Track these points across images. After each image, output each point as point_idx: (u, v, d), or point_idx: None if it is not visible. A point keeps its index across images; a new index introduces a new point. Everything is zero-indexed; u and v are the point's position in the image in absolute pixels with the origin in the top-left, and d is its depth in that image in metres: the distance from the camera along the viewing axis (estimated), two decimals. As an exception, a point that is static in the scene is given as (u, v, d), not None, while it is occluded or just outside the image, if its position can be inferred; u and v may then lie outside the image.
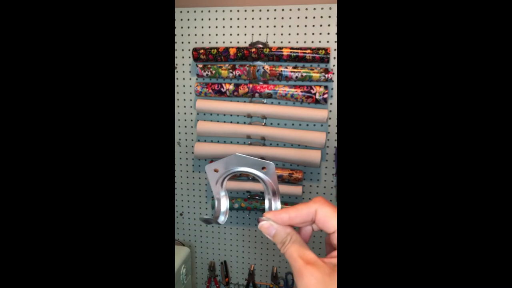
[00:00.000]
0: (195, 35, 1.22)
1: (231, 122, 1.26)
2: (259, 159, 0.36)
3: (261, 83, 1.17)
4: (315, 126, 1.20)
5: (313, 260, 0.30)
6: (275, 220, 0.34)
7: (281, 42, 1.16)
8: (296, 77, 1.13)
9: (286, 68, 1.13)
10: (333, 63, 1.14)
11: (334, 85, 1.16)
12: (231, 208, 1.28)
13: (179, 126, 1.32)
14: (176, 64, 1.26)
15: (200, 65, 1.19)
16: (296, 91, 1.13)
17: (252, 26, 1.17)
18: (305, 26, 1.14)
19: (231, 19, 1.18)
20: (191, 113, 1.30)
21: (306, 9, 1.12)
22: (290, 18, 1.14)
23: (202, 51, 1.17)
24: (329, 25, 1.12)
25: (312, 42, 1.15)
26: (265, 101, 1.21)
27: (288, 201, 1.26)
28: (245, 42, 1.19)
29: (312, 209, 0.33)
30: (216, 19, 1.19)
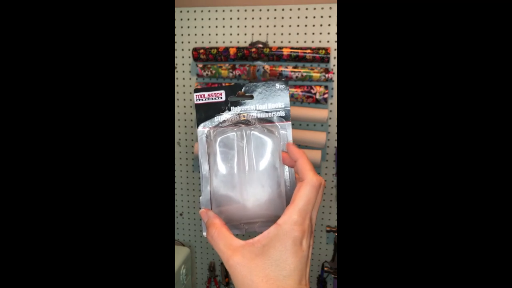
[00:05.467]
0: (195, 35, 1.22)
1: (231, 122, 1.26)
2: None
3: (261, 83, 1.17)
4: (315, 126, 1.20)
5: (238, 247, 0.31)
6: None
7: (281, 42, 1.16)
8: (296, 77, 1.13)
9: (286, 68, 1.13)
10: (333, 63, 1.14)
11: (334, 85, 1.16)
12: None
13: (179, 126, 1.32)
14: (176, 64, 1.26)
15: (200, 65, 1.19)
16: (296, 91, 1.13)
17: (252, 26, 1.17)
18: (305, 26, 1.14)
19: (231, 18, 1.18)
20: (191, 113, 1.29)
21: (306, 9, 1.12)
22: (290, 18, 1.14)
23: (202, 51, 1.17)
24: (329, 25, 1.12)
25: (312, 42, 1.14)
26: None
27: (288, 201, 1.27)
28: (245, 42, 1.19)
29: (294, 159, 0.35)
30: (216, 18, 1.19)
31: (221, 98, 0.37)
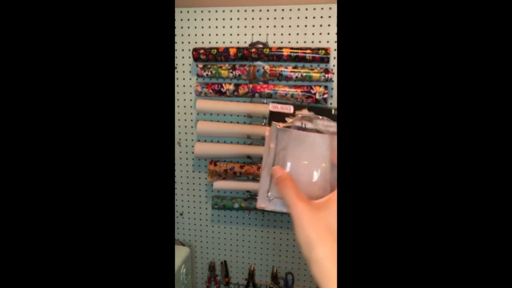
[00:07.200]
0: (195, 35, 1.22)
1: (231, 122, 1.26)
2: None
3: (261, 83, 1.17)
4: (315, 126, 1.20)
5: (305, 198, 0.39)
6: None
7: (281, 42, 1.16)
8: (296, 77, 1.13)
9: (286, 68, 1.13)
10: (333, 63, 1.14)
11: (334, 85, 1.16)
12: (230, 208, 1.28)
13: (179, 126, 1.32)
14: (176, 64, 1.26)
15: (200, 65, 1.19)
16: (296, 91, 1.13)
17: (252, 26, 1.17)
18: (305, 26, 1.14)
19: (231, 19, 1.18)
20: (191, 113, 1.29)
21: (306, 9, 1.12)
22: (290, 18, 1.14)
23: (202, 51, 1.17)
24: (329, 25, 1.12)
25: (312, 42, 1.15)
26: (265, 101, 1.21)
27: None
28: (245, 42, 1.19)
29: None
30: (216, 19, 1.19)
31: (290, 110, 0.47)
